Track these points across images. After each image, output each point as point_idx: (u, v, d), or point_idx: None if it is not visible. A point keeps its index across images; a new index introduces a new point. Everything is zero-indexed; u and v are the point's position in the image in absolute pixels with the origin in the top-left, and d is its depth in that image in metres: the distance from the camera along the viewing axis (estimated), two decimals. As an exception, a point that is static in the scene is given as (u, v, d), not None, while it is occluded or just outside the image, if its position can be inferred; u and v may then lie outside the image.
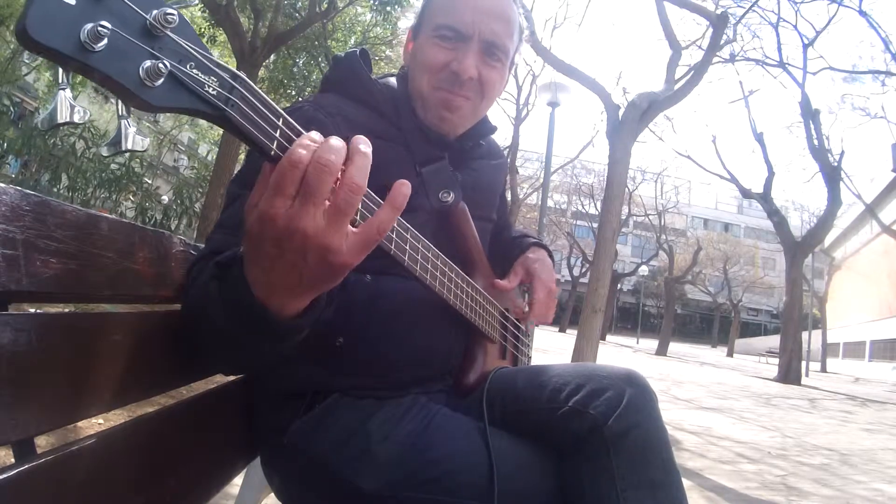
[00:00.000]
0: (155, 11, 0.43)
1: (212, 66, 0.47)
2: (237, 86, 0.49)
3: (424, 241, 0.75)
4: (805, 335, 15.96)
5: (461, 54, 0.90)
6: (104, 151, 0.47)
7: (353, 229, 0.54)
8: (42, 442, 0.54)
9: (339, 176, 0.52)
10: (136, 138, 0.45)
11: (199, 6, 9.32)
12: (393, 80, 1.00)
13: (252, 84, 0.50)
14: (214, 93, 0.47)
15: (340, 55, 0.98)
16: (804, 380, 14.08)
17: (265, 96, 0.51)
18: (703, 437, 4.81)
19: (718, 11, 8.61)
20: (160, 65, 0.43)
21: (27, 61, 17.79)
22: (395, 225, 0.68)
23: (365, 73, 0.96)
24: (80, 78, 0.42)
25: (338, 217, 0.52)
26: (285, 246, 0.52)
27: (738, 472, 3.66)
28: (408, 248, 0.71)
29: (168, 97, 0.44)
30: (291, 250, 0.52)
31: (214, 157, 13.74)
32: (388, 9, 10.98)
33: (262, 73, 10.91)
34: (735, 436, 5.02)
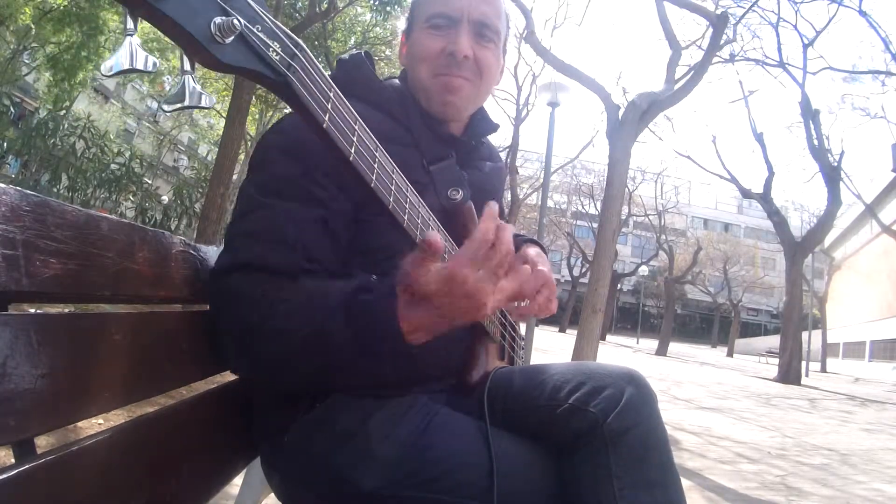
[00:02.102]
0: None
1: (277, 30, 0.47)
2: (298, 53, 0.49)
3: (445, 233, 0.77)
4: (805, 335, 15.96)
5: (454, 37, 0.94)
6: (165, 107, 0.45)
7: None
8: (42, 442, 0.54)
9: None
10: (200, 95, 0.44)
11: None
12: (397, 82, 1.02)
13: (310, 54, 0.50)
14: (278, 58, 0.47)
15: (345, 57, 0.99)
16: (804, 380, 14.08)
17: (320, 67, 0.51)
18: (703, 437, 4.81)
19: (718, 11, 8.61)
20: (234, 21, 0.42)
21: (27, 61, 17.79)
22: (422, 214, 0.71)
23: (373, 73, 0.97)
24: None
25: (495, 280, 0.65)
26: (458, 304, 0.64)
27: (737, 472, 3.66)
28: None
29: (235, 56, 0.44)
30: (460, 307, 0.65)
31: (214, 157, 13.75)
32: (388, 9, 10.98)
33: (262, 73, 10.91)
34: (735, 436, 5.02)
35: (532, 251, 1.10)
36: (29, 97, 18.94)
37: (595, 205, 28.44)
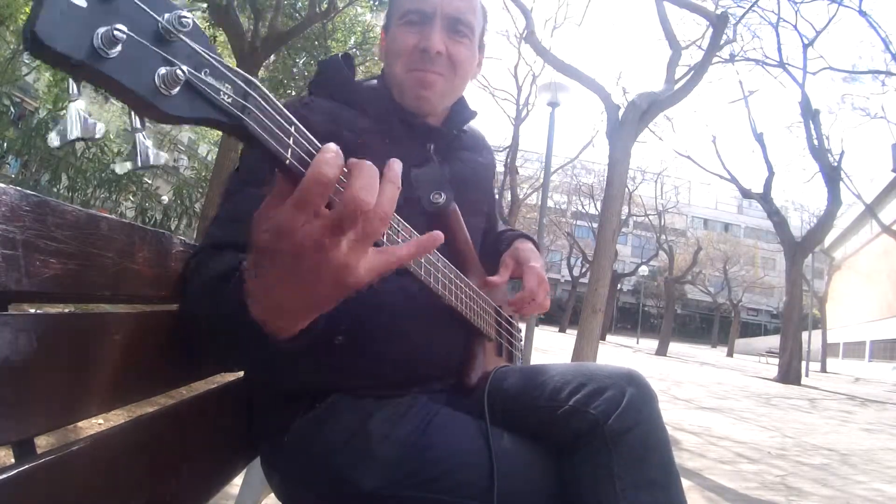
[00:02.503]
0: (168, 15, 0.40)
1: (226, 71, 0.45)
2: (252, 92, 0.47)
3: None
4: (805, 335, 15.96)
5: (427, 32, 0.94)
6: (118, 169, 0.45)
7: (373, 249, 0.53)
8: (42, 442, 0.54)
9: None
10: (154, 152, 0.43)
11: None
12: (375, 82, 1.03)
13: (265, 90, 0.48)
14: (230, 100, 0.45)
15: (325, 60, 1.01)
16: (804, 380, 14.08)
17: (278, 102, 0.49)
18: (703, 437, 4.81)
19: (718, 11, 8.61)
20: (177, 71, 0.40)
21: (27, 61, 17.78)
22: (401, 231, 0.67)
23: (348, 75, 0.99)
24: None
25: (363, 244, 0.51)
26: (302, 263, 0.50)
27: (737, 472, 3.66)
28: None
29: (184, 106, 0.42)
30: (307, 268, 0.50)
31: (214, 157, 13.74)
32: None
33: (262, 73, 10.91)
34: (735, 436, 5.02)
35: (525, 246, 1.10)
36: (29, 97, 18.93)
37: (595, 205, 28.41)
